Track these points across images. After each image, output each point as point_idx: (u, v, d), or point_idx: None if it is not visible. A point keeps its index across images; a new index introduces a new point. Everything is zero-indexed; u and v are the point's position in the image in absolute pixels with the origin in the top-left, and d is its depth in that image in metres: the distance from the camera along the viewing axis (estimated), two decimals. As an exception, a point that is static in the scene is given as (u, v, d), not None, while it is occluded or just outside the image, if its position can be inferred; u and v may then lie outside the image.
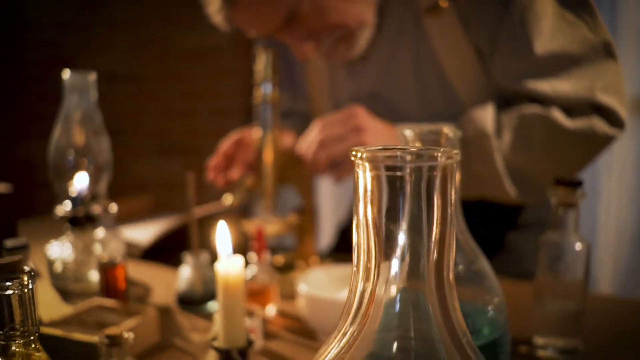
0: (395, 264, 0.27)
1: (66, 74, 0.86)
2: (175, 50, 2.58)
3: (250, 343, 0.50)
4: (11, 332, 0.35)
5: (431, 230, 0.26)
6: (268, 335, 0.70)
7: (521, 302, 0.71)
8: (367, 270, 0.27)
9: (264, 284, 0.76)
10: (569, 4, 0.79)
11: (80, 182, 0.87)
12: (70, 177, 0.88)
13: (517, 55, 0.81)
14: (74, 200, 0.87)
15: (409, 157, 0.25)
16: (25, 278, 0.35)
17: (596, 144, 0.83)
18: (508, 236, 1.00)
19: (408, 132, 0.49)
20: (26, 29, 2.74)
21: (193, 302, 0.79)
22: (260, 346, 0.66)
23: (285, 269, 0.85)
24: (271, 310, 0.76)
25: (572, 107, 0.81)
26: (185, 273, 0.80)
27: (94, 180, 0.89)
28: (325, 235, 2.06)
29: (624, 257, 1.89)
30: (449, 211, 0.27)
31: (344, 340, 0.28)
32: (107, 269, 0.78)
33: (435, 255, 0.27)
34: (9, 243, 0.75)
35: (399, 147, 0.27)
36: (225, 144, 0.98)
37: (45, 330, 0.63)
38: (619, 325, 0.74)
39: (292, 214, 0.91)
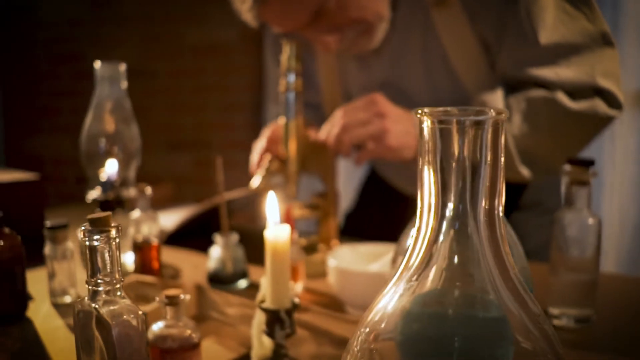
0: (452, 206, 0.31)
1: (97, 64, 0.90)
2: (185, 46, 2.62)
3: (295, 305, 0.54)
4: (99, 280, 0.39)
5: (483, 177, 0.31)
6: (299, 308, 0.74)
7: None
8: (429, 212, 0.32)
9: (292, 261, 0.80)
10: None
11: (110, 168, 0.91)
12: (101, 164, 0.92)
13: (523, 45, 0.87)
14: (105, 185, 0.91)
15: (457, 112, 0.30)
16: (113, 232, 0.39)
17: (597, 124, 0.90)
18: (509, 217, 1.04)
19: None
20: (38, 25, 2.77)
21: (224, 280, 0.83)
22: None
23: (309, 251, 0.89)
24: (299, 287, 0.81)
25: (574, 91, 0.87)
26: (216, 253, 0.84)
27: (123, 166, 0.93)
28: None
29: (627, 247, 1.93)
30: (500, 163, 0.31)
31: (407, 277, 0.33)
32: (142, 248, 0.82)
33: (487, 199, 0.31)
34: (49, 222, 0.79)
35: (459, 107, 0.31)
36: (263, 142, 0.99)
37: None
38: (628, 299, 0.79)
39: (314, 198, 0.95)
